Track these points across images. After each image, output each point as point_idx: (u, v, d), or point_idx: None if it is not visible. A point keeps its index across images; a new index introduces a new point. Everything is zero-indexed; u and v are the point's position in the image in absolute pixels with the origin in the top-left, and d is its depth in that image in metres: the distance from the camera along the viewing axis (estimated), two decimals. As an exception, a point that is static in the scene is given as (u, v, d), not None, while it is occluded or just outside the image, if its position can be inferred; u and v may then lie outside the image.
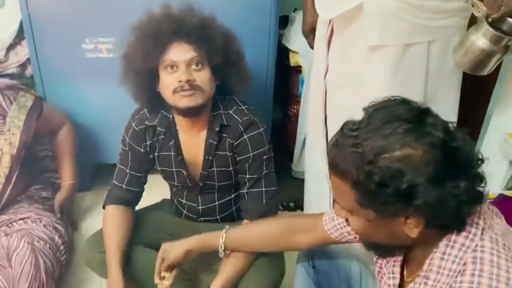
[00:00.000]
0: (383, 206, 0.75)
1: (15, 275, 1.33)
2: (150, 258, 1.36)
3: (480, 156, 0.79)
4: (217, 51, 1.29)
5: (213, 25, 1.32)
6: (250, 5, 1.72)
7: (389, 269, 0.96)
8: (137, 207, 1.57)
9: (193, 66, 1.27)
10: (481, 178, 0.78)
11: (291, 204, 2.04)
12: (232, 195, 1.49)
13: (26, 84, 1.79)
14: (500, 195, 1.46)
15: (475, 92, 1.94)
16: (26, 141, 1.55)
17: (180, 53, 1.26)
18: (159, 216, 1.55)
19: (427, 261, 0.81)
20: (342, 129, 0.81)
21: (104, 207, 1.45)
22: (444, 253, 0.79)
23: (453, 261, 0.77)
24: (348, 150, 0.77)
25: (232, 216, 1.51)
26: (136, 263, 1.39)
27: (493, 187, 1.49)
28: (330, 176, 0.83)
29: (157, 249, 1.43)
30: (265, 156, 1.37)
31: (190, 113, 1.32)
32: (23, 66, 1.91)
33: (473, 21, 1.17)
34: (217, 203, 1.48)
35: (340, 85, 1.35)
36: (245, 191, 1.38)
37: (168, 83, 1.28)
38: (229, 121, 1.36)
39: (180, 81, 1.25)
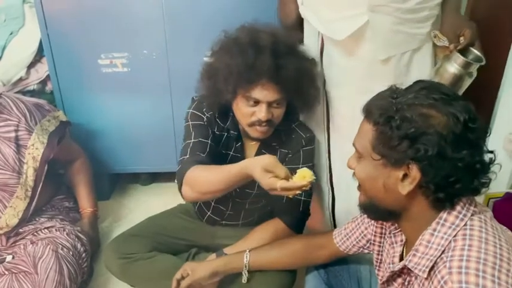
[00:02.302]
0: (390, 151, 0.83)
1: (41, 281, 1.39)
2: (168, 263, 1.43)
3: (491, 156, 0.85)
4: (301, 91, 1.31)
5: (306, 70, 1.31)
6: (256, 17, 1.77)
7: (390, 259, 1.03)
8: (151, 214, 1.61)
9: (274, 104, 1.29)
10: (484, 169, 0.84)
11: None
12: (259, 205, 1.52)
13: (46, 99, 1.85)
14: (506, 193, 1.48)
15: (482, 93, 1.96)
16: (48, 157, 1.60)
17: (266, 93, 1.26)
18: (175, 222, 1.58)
19: (419, 237, 0.87)
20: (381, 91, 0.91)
21: (181, 180, 1.25)
22: (435, 230, 0.85)
23: (442, 237, 0.83)
24: (385, 98, 0.87)
25: (252, 222, 1.53)
26: (154, 268, 1.43)
27: (499, 186, 1.51)
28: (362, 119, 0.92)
29: (173, 254, 1.49)
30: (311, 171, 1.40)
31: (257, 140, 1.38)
32: (43, 82, 1.98)
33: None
34: (244, 209, 1.52)
35: (341, 97, 1.39)
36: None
37: (246, 113, 1.30)
38: (291, 134, 1.41)
39: (260, 119, 1.28)
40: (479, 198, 1.51)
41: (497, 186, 1.52)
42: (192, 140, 1.34)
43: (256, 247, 1.32)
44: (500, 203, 1.48)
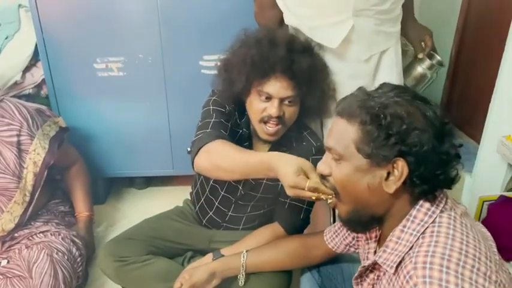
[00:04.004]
0: (377, 149, 0.83)
1: (36, 286, 1.39)
2: (163, 267, 1.42)
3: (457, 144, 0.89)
4: (313, 92, 1.31)
5: (320, 69, 1.32)
6: (252, 22, 1.78)
7: (365, 255, 1.05)
8: (147, 216, 1.59)
9: (286, 102, 1.29)
10: (457, 159, 0.87)
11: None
12: (261, 211, 1.51)
13: (41, 103, 1.86)
14: (501, 196, 1.49)
15: (476, 97, 1.97)
16: (49, 162, 1.60)
17: (278, 88, 1.26)
18: (171, 225, 1.57)
19: (390, 233, 0.88)
20: (352, 93, 0.92)
21: (199, 148, 1.22)
22: (404, 226, 0.86)
23: (411, 234, 0.84)
24: (361, 98, 0.88)
25: (253, 228, 1.51)
26: (149, 271, 1.42)
27: (493, 189, 1.52)
28: (334, 122, 0.91)
29: (169, 257, 1.49)
30: None
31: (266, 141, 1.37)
32: (39, 86, 1.98)
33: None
34: (246, 214, 1.51)
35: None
36: (288, 200, 1.40)
37: (257, 109, 1.30)
38: (301, 142, 1.40)
39: (270, 114, 1.27)
40: (474, 202, 1.52)
41: (492, 189, 1.53)
42: (213, 120, 1.32)
43: (253, 248, 1.33)
44: (494, 205, 1.49)
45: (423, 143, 0.81)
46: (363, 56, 1.37)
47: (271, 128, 1.31)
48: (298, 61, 1.25)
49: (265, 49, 1.25)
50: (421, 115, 0.83)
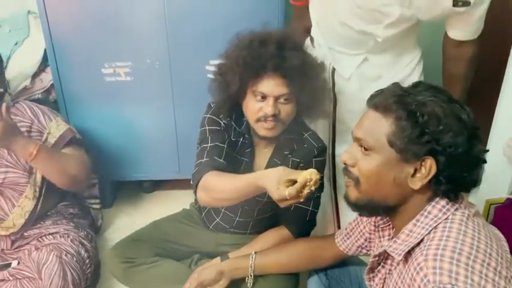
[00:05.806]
0: (409, 145, 0.84)
1: (45, 287, 1.40)
2: (170, 269, 1.44)
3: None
4: (308, 90, 1.32)
5: (313, 67, 1.34)
6: (257, 28, 1.80)
7: (378, 248, 1.05)
8: (154, 220, 1.61)
9: (281, 100, 1.30)
10: (483, 163, 0.88)
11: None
12: (268, 214, 1.52)
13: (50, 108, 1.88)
14: (508, 199, 1.49)
15: (482, 99, 1.97)
16: None
17: (272, 86, 1.28)
18: (178, 227, 1.59)
19: (404, 226, 0.90)
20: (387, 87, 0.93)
21: (197, 183, 1.27)
22: (418, 220, 0.88)
23: (423, 228, 0.86)
24: (398, 93, 0.88)
25: (260, 232, 1.52)
26: (157, 273, 1.43)
27: (499, 192, 1.52)
28: (366, 114, 0.92)
29: (176, 260, 1.50)
30: (320, 181, 1.40)
31: (266, 139, 1.39)
32: (48, 91, 2.00)
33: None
34: (253, 218, 1.52)
35: (349, 94, 1.48)
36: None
37: (254, 109, 1.31)
38: (303, 144, 1.41)
39: (266, 113, 1.29)
40: (480, 204, 1.52)
41: (498, 192, 1.52)
42: (209, 144, 1.35)
43: (261, 250, 1.34)
44: (501, 209, 1.49)
45: (458, 144, 0.82)
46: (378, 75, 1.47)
47: (267, 125, 1.31)
48: (289, 59, 1.26)
49: (256, 49, 1.27)
50: (457, 117, 0.84)
